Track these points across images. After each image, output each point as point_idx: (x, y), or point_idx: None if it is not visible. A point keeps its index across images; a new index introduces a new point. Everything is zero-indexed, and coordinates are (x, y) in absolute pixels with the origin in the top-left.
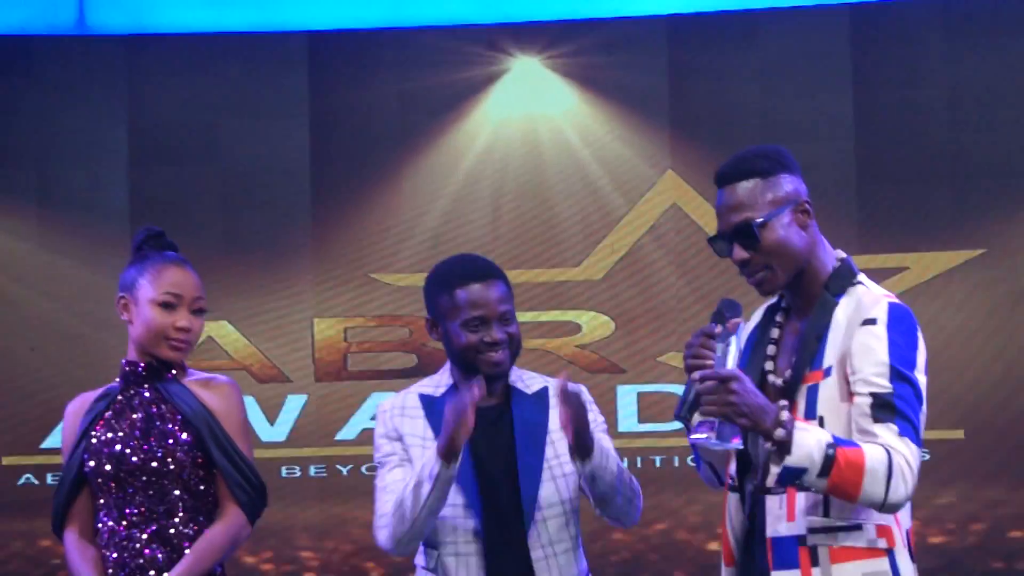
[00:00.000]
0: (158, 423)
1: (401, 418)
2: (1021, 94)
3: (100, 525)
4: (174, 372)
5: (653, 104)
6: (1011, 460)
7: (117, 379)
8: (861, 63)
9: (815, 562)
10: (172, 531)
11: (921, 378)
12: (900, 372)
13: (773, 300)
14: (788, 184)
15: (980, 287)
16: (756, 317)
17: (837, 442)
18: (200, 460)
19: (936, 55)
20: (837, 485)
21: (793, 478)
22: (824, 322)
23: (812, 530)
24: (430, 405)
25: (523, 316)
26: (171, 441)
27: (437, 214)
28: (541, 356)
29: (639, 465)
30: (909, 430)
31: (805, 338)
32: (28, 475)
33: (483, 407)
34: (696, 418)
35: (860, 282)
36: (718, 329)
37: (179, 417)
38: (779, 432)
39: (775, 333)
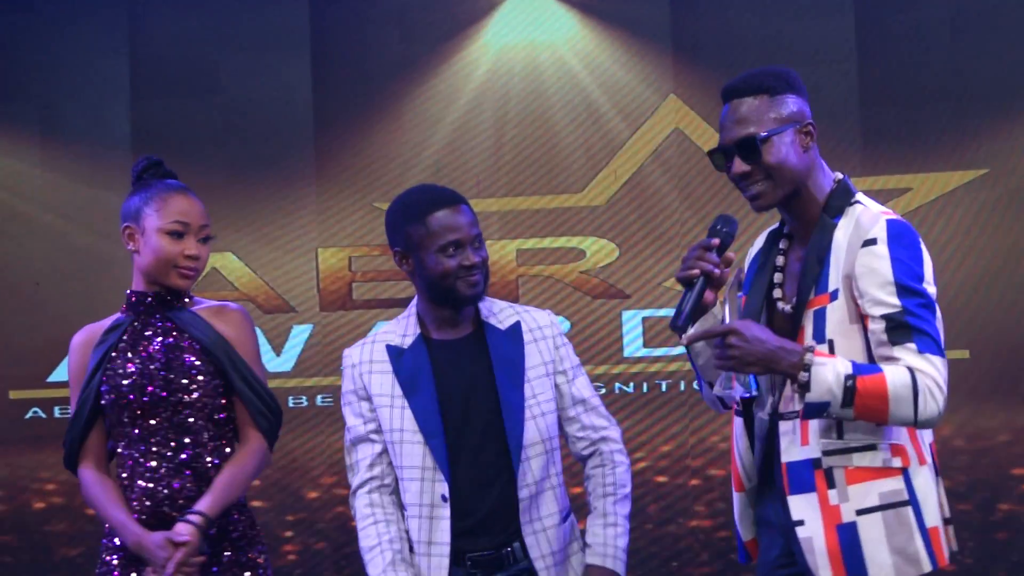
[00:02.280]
0: (177, 353)
1: (370, 375)
2: (1022, 15)
3: (122, 457)
4: (184, 300)
5: (655, 29)
6: (1017, 380)
7: (121, 310)
8: None
9: (831, 484)
10: (198, 460)
11: (931, 288)
12: (907, 287)
13: (775, 226)
14: (793, 104)
15: (983, 207)
16: (758, 243)
17: (857, 371)
18: (221, 388)
19: None
20: (862, 413)
21: (818, 412)
22: (824, 244)
23: (827, 452)
24: (398, 357)
25: (527, 243)
26: (193, 371)
27: (439, 142)
28: (545, 282)
29: (645, 390)
30: (929, 344)
31: (807, 262)
32: (35, 409)
33: (456, 339)
34: (691, 328)
35: (858, 201)
36: (715, 242)
37: (197, 346)
38: (803, 376)
39: (780, 260)
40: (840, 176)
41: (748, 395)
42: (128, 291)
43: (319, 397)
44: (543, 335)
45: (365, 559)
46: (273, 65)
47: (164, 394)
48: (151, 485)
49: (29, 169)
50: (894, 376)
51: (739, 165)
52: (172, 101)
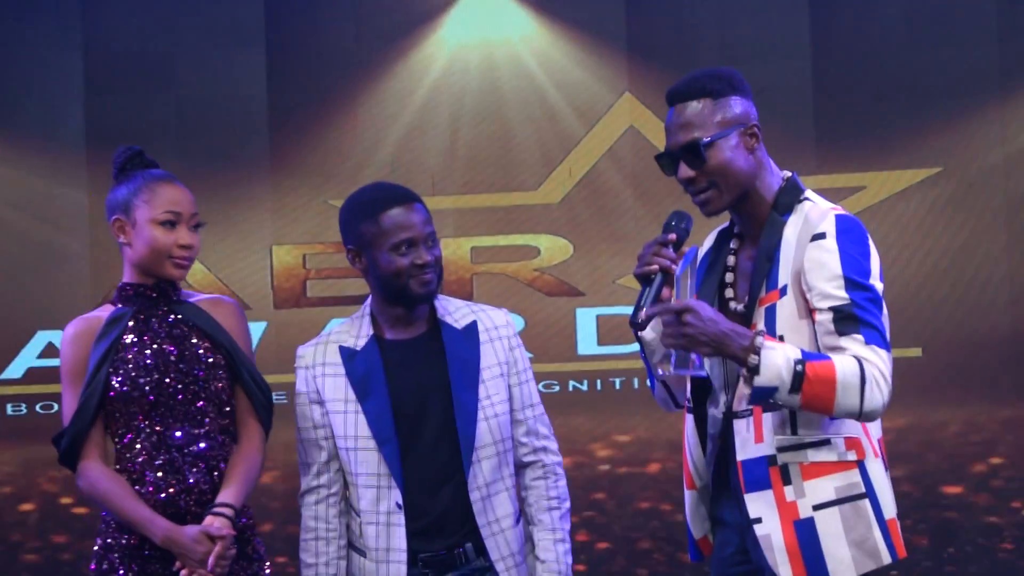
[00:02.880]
0: (189, 345)
1: (323, 378)
2: (978, 10)
3: (130, 450)
4: (179, 293)
5: (610, 27)
6: (969, 377)
7: (114, 302)
8: None
9: (787, 480)
10: (211, 452)
11: (877, 284)
12: (855, 281)
13: (724, 225)
14: (738, 106)
15: (936, 204)
16: (708, 242)
17: (806, 357)
18: (229, 381)
19: None
20: (810, 400)
21: (764, 397)
22: (774, 242)
23: (781, 448)
24: (351, 359)
25: (482, 240)
26: (207, 363)
27: (394, 140)
28: (499, 280)
29: (599, 388)
30: (875, 336)
31: (758, 261)
32: None
33: (410, 338)
34: (649, 332)
35: (807, 198)
36: (671, 237)
37: (205, 339)
38: (753, 359)
39: (731, 260)
40: (788, 174)
41: (702, 374)
42: (122, 283)
43: (274, 395)
44: (499, 335)
45: (301, 572)
46: (228, 61)
47: (180, 386)
48: (165, 478)
49: None
50: (843, 364)
51: (684, 170)
52: (126, 96)
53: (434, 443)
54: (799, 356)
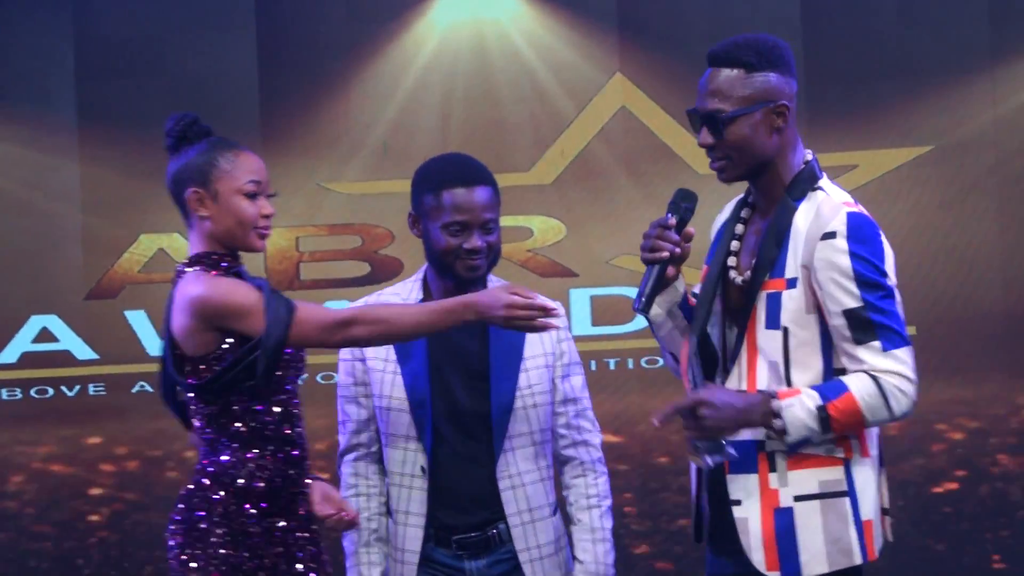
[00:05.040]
0: None
1: None
2: None
3: (271, 413)
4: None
5: (600, 7)
6: (963, 355)
7: (224, 268)
8: None
9: (772, 467)
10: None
11: (891, 280)
12: (868, 280)
13: (741, 195)
14: (770, 82)
15: (930, 183)
16: (725, 212)
17: (825, 399)
18: None
19: None
20: (843, 431)
21: (802, 446)
22: (783, 226)
23: (770, 436)
24: None
25: None
26: None
27: (386, 122)
28: None
29: (593, 368)
30: (893, 339)
31: (765, 242)
32: None
33: None
34: (655, 309)
35: (820, 187)
36: (672, 220)
37: None
38: (777, 423)
39: (739, 229)
40: (810, 157)
41: (733, 455)
42: (208, 251)
43: None
44: None
45: (344, 534)
46: (218, 44)
47: (294, 356)
48: (284, 448)
49: None
50: (860, 389)
51: (705, 137)
52: (117, 81)
53: (467, 425)
54: (819, 402)
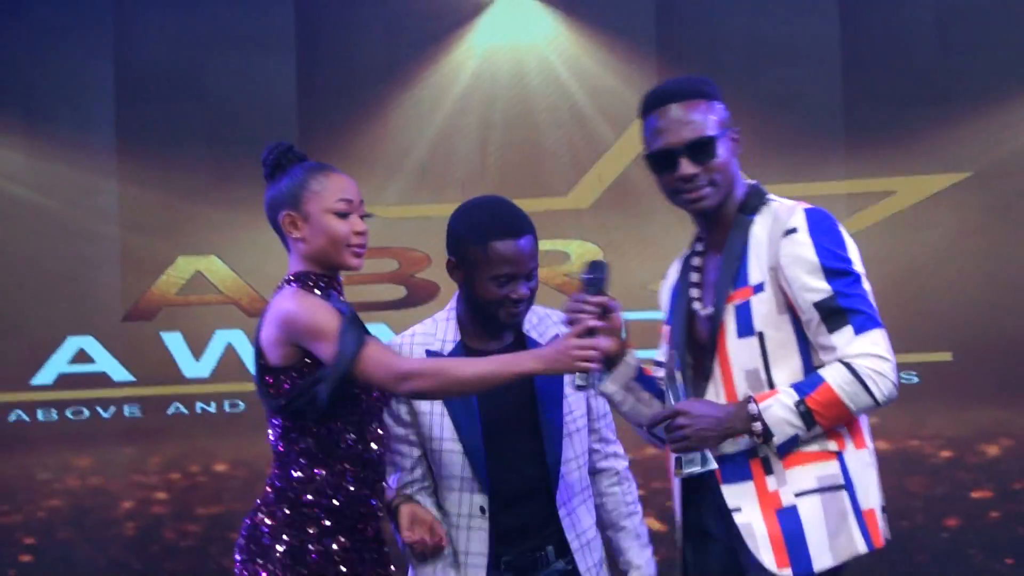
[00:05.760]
0: None
1: None
2: (1009, 14)
3: (344, 442)
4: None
5: (639, 31)
6: (999, 382)
7: (321, 288)
8: None
9: (768, 470)
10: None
11: (857, 267)
12: (834, 269)
13: (684, 252)
14: (725, 112)
15: (967, 210)
16: (673, 273)
17: (802, 393)
18: None
19: None
20: (829, 423)
21: (791, 447)
22: (742, 240)
23: (757, 443)
24: None
25: None
26: None
27: (424, 146)
28: None
29: None
30: (864, 321)
31: (725, 259)
32: (18, 411)
33: (496, 349)
34: (610, 387)
35: (772, 199)
36: (594, 299)
37: None
38: (756, 426)
39: (694, 276)
40: (752, 181)
41: (713, 467)
42: (305, 271)
43: None
44: None
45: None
46: (258, 68)
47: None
48: (372, 474)
49: (12, 173)
50: (835, 378)
51: (687, 167)
52: (156, 104)
53: (519, 456)
54: (796, 397)
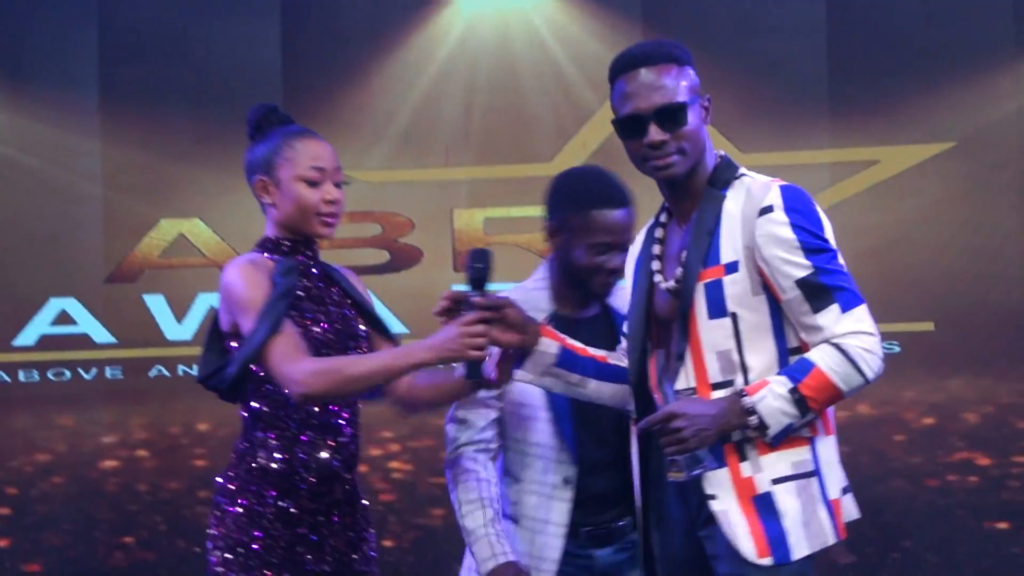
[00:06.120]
0: (343, 309)
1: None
2: None
3: (287, 401)
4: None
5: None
6: (981, 352)
7: (268, 253)
8: None
9: (743, 457)
10: (356, 417)
11: (833, 244)
12: (813, 247)
13: (649, 223)
14: (696, 78)
15: (950, 180)
16: (638, 243)
17: (794, 379)
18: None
19: None
20: (822, 407)
21: (785, 435)
22: (713, 215)
23: (751, 436)
24: (551, 321)
25: (495, 211)
26: (358, 330)
27: (409, 111)
28: (512, 251)
29: None
30: (848, 298)
31: (694, 235)
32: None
33: (586, 318)
34: (525, 375)
35: (744, 174)
36: (477, 299)
37: (352, 306)
38: (752, 419)
39: (657, 248)
40: (722, 152)
41: (713, 466)
42: (272, 236)
43: None
44: None
45: (461, 510)
46: (243, 31)
47: (341, 347)
48: (322, 437)
49: None
50: (826, 360)
51: (656, 133)
52: (140, 65)
53: (605, 426)
54: (790, 385)
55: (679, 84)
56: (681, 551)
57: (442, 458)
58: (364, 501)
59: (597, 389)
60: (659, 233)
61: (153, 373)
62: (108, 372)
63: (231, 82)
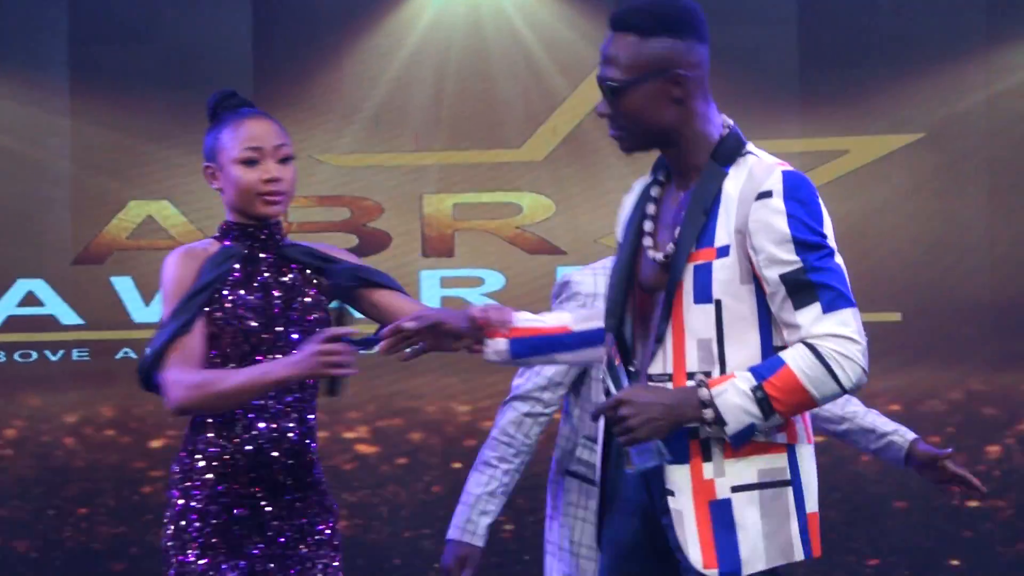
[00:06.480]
0: (295, 294)
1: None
2: None
3: None
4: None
5: None
6: (948, 342)
7: (216, 239)
8: None
9: (707, 456)
10: (301, 402)
11: (831, 241)
12: (806, 241)
13: (646, 179)
14: (666, 50)
15: (920, 171)
16: (633, 194)
17: (759, 377)
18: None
19: None
20: (789, 411)
21: (747, 437)
22: (711, 193)
23: (709, 432)
24: None
25: (465, 197)
26: (311, 319)
27: (379, 95)
28: (481, 237)
29: None
30: (834, 298)
31: (690, 211)
32: None
33: None
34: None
35: (750, 152)
36: (355, 335)
37: (312, 289)
38: (707, 413)
39: (651, 208)
40: (731, 123)
41: (669, 459)
42: (227, 221)
43: None
44: None
45: (478, 467)
46: (214, 13)
47: (281, 330)
48: (256, 422)
49: None
50: (797, 361)
51: (601, 106)
52: (111, 45)
53: None
54: (754, 382)
55: (629, 59)
56: (635, 536)
57: (407, 439)
58: (322, 485)
59: (570, 359)
60: (655, 192)
61: (120, 355)
62: (75, 354)
63: (202, 64)
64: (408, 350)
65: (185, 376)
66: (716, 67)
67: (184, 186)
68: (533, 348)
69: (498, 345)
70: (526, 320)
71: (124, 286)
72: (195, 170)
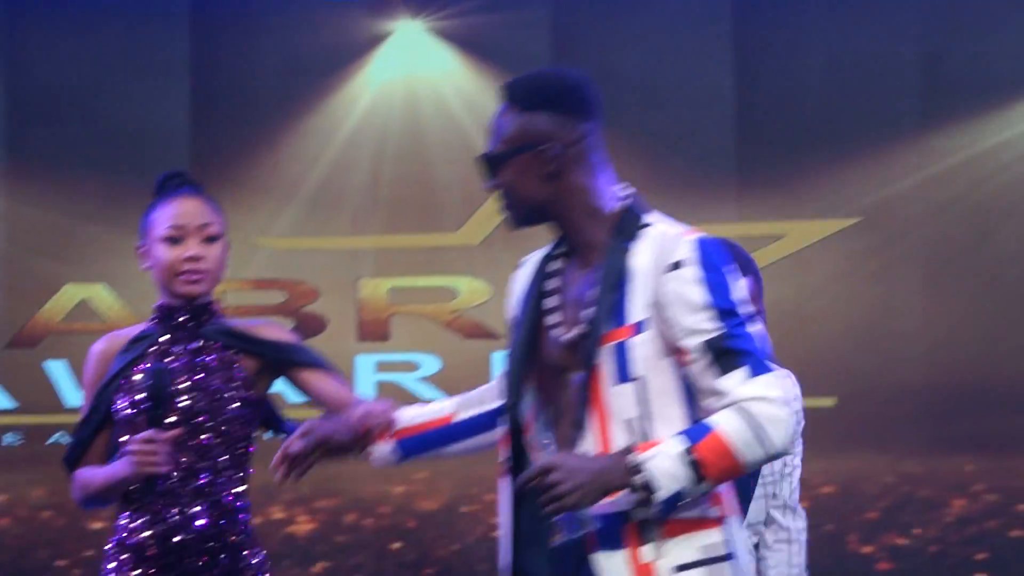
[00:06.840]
0: (208, 377)
1: None
2: (900, 63)
3: None
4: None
5: (535, 67)
6: (882, 428)
7: (150, 320)
8: (742, 30)
9: (645, 539)
10: (211, 487)
11: (748, 306)
12: (724, 308)
13: (546, 249)
14: (536, 124)
15: (855, 256)
16: (526, 268)
17: (691, 440)
18: (245, 423)
19: (816, 22)
20: (719, 477)
21: (676, 503)
22: (618, 271)
23: (640, 503)
24: None
25: (401, 281)
26: (221, 399)
27: (317, 178)
28: (417, 321)
29: None
30: (758, 364)
31: (600, 290)
32: None
33: None
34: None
35: (651, 223)
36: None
37: (230, 371)
38: (637, 479)
39: (552, 284)
40: (628, 193)
41: (598, 525)
42: (157, 303)
43: None
44: None
45: None
46: (152, 93)
47: (185, 415)
48: (166, 510)
49: None
50: (727, 425)
51: (484, 180)
52: (48, 127)
53: None
54: (682, 446)
55: (504, 131)
56: None
57: (345, 521)
58: (248, 571)
59: (460, 450)
60: (556, 266)
61: (53, 440)
62: (6, 439)
63: (139, 144)
64: (296, 471)
65: (79, 476)
66: (654, 148)
67: (120, 268)
68: (422, 444)
69: (383, 451)
70: (411, 417)
71: (58, 370)
72: (132, 253)
